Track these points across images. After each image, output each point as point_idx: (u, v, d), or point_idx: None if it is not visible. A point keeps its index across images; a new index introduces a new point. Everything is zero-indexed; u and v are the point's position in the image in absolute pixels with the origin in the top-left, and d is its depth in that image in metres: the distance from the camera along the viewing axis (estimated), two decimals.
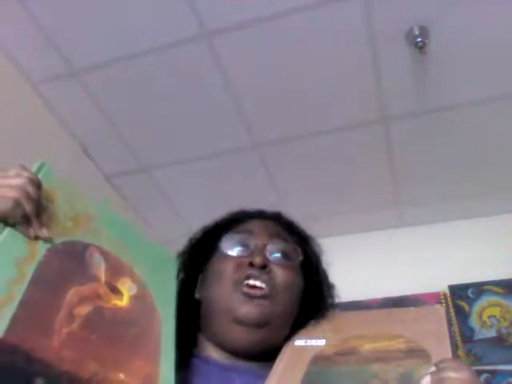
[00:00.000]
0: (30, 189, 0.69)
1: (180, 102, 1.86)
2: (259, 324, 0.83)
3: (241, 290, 0.85)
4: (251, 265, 0.87)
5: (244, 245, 0.91)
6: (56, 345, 0.63)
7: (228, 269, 0.88)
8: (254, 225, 0.96)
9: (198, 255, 0.97)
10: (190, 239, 1.01)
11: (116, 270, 0.77)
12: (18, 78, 1.77)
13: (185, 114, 1.91)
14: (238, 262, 0.89)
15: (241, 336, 0.83)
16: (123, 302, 0.75)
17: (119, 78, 1.79)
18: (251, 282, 0.85)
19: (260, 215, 1.01)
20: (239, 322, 0.83)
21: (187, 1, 1.55)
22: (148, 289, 0.80)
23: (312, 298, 0.94)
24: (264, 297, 0.85)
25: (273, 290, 0.86)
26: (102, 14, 1.59)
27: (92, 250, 0.75)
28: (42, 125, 1.91)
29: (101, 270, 0.75)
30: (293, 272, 0.91)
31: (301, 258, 0.95)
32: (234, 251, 0.91)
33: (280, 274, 0.88)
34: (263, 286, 0.85)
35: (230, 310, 0.84)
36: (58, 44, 1.69)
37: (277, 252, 0.91)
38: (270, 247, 0.91)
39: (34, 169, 0.74)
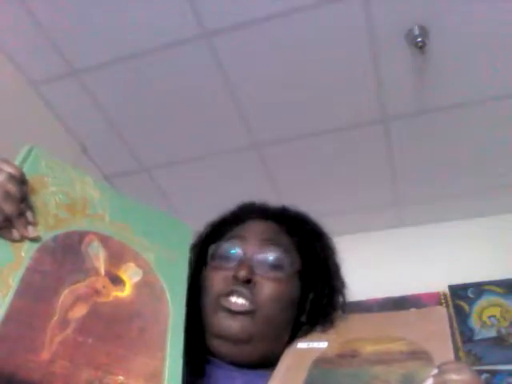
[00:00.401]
0: (10, 186, 0.63)
1: (180, 102, 1.86)
2: (240, 340, 0.81)
3: (222, 304, 0.82)
4: (236, 278, 0.83)
5: (232, 253, 0.87)
6: (46, 359, 0.58)
7: (213, 281, 0.86)
8: (250, 228, 0.92)
9: (199, 256, 0.94)
10: (198, 235, 0.98)
11: (118, 256, 0.72)
12: (18, 78, 1.77)
13: (185, 113, 1.91)
14: (223, 274, 0.85)
15: (225, 351, 0.82)
16: (125, 292, 0.70)
17: (119, 78, 1.79)
18: (233, 299, 0.82)
19: (261, 214, 0.96)
20: (220, 337, 0.82)
21: (187, 1, 1.55)
22: (156, 273, 0.75)
23: (317, 301, 0.90)
24: (246, 313, 0.82)
25: (256, 306, 0.82)
26: (102, 14, 1.59)
27: (89, 238, 0.70)
28: (42, 125, 1.91)
29: (100, 261, 0.70)
30: (283, 283, 0.86)
31: (297, 265, 0.90)
32: (220, 262, 0.88)
33: (266, 288, 0.84)
34: (245, 303, 0.82)
35: (212, 325, 0.82)
36: (58, 44, 1.68)
37: (267, 262, 0.86)
38: (259, 257, 0.86)
39: (20, 157, 0.69)
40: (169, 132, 1.99)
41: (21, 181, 0.66)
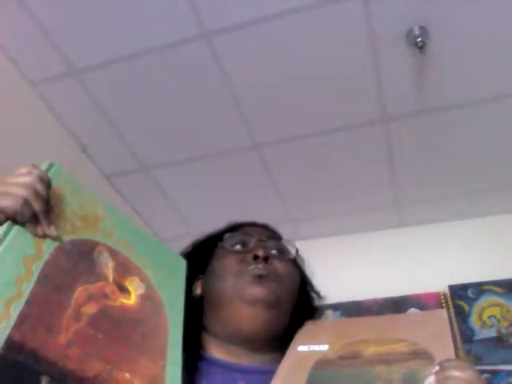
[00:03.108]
0: (40, 187, 0.69)
1: (180, 102, 1.86)
2: (271, 303, 0.87)
3: (249, 274, 0.89)
4: (255, 257, 0.91)
5: (244, 242, 0.97)
6: (62, 343, 0.63)
7: (232, 262, 0.93)
8: (250, 229, 1.02)
9: (197, 259, 1.00)
10: (188, 246, 1.06)
11: (124, 268, 0.78)
12: (18, 78, 1.77)
13: (185, 114, 1.91)
14: (241, 256, 0.94)
15: (253, 317, 0.87)
16: (131, 300, 0.75)
17: (119, 78, 1.79)
18: (257, 271, 0.89)
19: (253, 224, 1.06)
20: (252, 302, 0.87)
21: (187, 1, 1.55)
22: (156, 289, 0.81)
23: (305, 296, 1.00)
24: (272, 279, 0.89)
25: (278, 277, 0.91)
26: (102, 13, 1.59)
27: (100, 248, 0.76)
28: (42, 125, 1.91)
29: (109, 269, 0.75)
30: (292, 265, 0.97)
31: (294, 255, 1.00)
32: (236, 248, 0.96)
33: (281, 266, 0.93)
34: (268, 272, 0.90)
35: (242, 293, 0.88)
36: (58, 44, 1.68)
37: (275, 248, 0.97)
38: (269, 243, 0.97)
39: (42, 169, 0.75)
40: (169, 132, 1.99)
41: (48, 184, 0.72)
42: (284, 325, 0.92)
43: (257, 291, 0.87)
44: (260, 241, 0.96)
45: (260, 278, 0.89)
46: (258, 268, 0.90)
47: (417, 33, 1.55)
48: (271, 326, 0.88)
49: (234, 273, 0.91)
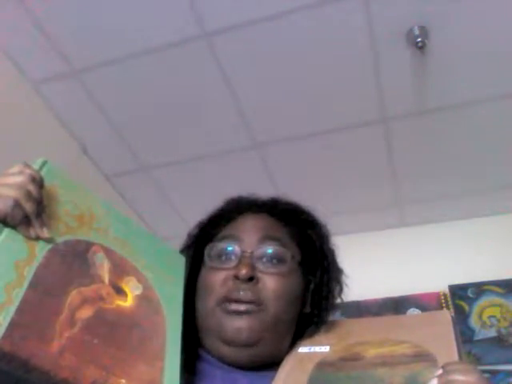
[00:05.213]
0: (31, 187, 0.66)
1: (180, 102, 1.86)
2: (248, 343, 0.79)
3: (226, 307, 0.80)
4: (237, 277, 0.80)
5: (230, 252, 0.84)
6: (55, 351, 0.61)
7: (213, 283, 0.83)
8: (243, 225, 0.89)
9: (195, 257, 0.92)
10: (188, 235, 0.96)
11: (120, 269, 0.75)
12: (18, 78, 1.77)
13: (185, 114, 1.91)
14: (223, 275, 0.82)
15: (232, 356, 0.79)
16: (127, 302, 0.73)
17: (119, 78, 1.79)
18: (234, 306, 0.80)
19: (251, 208, 0.94)
20: (227, 342, 0.79)
21: (187, 1, 1.55)
22: (154, 289, 0.78)
23: (318, 291, 0.88)
24: (252, 312, 0.79)
25: (262, 304, 0.80)
26: (102, 13, 1.59)
27: (95, 248, 0.73)
28: (42, 125, 1.91)
29: (104, 270, 0.72)
30: (286, 277, 0.83)
31: (297, 257, 0.87)
32: (218, 262, 0.85)
33: (270, 283, 0.81)
34: (249, 307, 0.79)
35: (217, 329, 0.80)
36: (58, 44, 1.68)
37: (266, 257, 0.83)
38: (258, 252, 0.83)
39: (35, 166, 0.72)
40: (169, 132, 1.99)
41: (40, 184, 0.68)
42: (279, 349, 0.82)
43: (232, 331, 0.78)
44: (248, 250, 0.83)
45: (238, 314, 0.79)
46: (234, 306, 0.79)
47: (417, 33, 1.56)
48: (256, 362, 0.80)
49: (213, 300, 0.81)
